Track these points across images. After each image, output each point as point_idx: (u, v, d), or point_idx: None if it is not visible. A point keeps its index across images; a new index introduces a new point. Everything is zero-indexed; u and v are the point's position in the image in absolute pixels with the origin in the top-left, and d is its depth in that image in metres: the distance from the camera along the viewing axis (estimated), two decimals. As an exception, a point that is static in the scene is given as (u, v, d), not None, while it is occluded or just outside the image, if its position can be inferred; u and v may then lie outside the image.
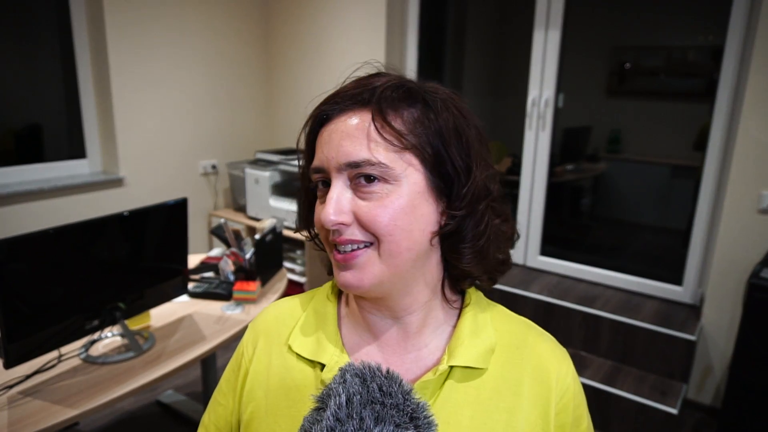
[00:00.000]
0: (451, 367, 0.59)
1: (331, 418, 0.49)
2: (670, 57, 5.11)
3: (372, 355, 0.62)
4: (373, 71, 0.62)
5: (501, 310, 0.68)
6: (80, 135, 3.08)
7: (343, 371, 0.53)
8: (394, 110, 0.56)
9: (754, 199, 2.31)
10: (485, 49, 5.69)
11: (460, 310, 0.65)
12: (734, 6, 2.35)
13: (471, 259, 0.59)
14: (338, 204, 0.55)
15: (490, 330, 0.63)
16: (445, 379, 0.59)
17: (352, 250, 0.56)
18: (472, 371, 0.60)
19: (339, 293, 0.69)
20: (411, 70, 3.38)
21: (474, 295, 0.65)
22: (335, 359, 0.60)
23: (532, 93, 3.00)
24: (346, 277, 0.57)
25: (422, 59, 3.45)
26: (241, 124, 3.76)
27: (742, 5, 2.32)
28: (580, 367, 2.51)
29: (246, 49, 3.66)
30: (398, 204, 0.55)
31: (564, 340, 2.67)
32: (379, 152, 0.54)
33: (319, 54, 3.51)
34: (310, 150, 0.60)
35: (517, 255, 3.18)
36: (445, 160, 0.56)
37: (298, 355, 0.63)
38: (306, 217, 0.65)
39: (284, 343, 0.65)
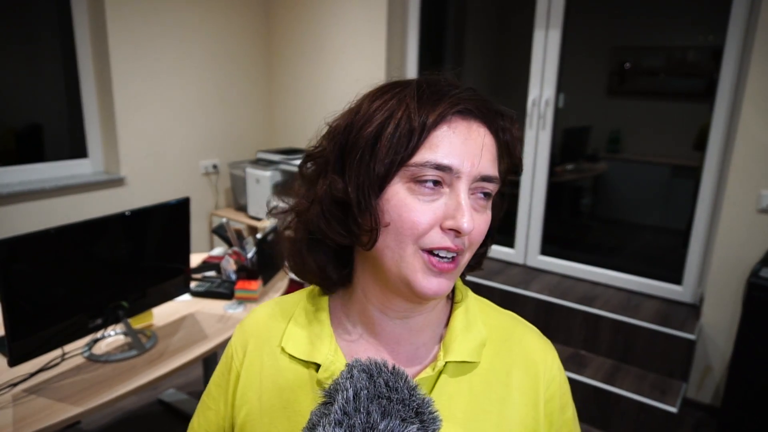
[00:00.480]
0: (449, 364, 0.61)
1: (338, 411, 0.50)
2: (670, 57, 5.12)
3: (367, 352, 0.63)
4: (446, 77, 0.62)
5: (488, 304, 0.70)
6: (82, 134, 3.09)
7: (350, 367, 0.54)
8: (512, 137, 0.60)
9: (753, 198, 2.31)
10: (485, 48, 5.70)
11: (451, 305, 0.67)
12: (734, 6, 2.36)
13: (480, 258, 0.65)
14: (471, 212, 0.55)
15: (480, 324, 0.65)
16: (439, 374, 0.61)
17: (453, 258, 0.56)
18: (464, 365, 0.62)
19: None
20: (412, 69, 3.38)
21: (462, 290, 0.68)
22: (330, 359, 0.60)
23: (533, 93, 3.01)
24: (440, 284, 0.56)
25: (422, 58, 3.46)
26: (242, 124, 3.77)
27: (742, 6, 2.33)
28: (580, 366, 2.52)
29: (247, 50, 3.67)
30: (489, 219, 0.59)
31: (564, 339, 2.68)
32: (499, 172, 0.58)
33: (320, 54, 3.51)
34: (417, 138, 0.54)
35: (517, 255, 3.19)
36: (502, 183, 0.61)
37: (291, 356, 0.63)
38: (372, 204, 0.56)
39: (276, 345, 0.64)
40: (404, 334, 0.63)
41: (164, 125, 3.29)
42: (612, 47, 5.45)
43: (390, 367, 0.54)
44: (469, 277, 2.62)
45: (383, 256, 0.56)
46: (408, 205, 0.54)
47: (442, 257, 0.55)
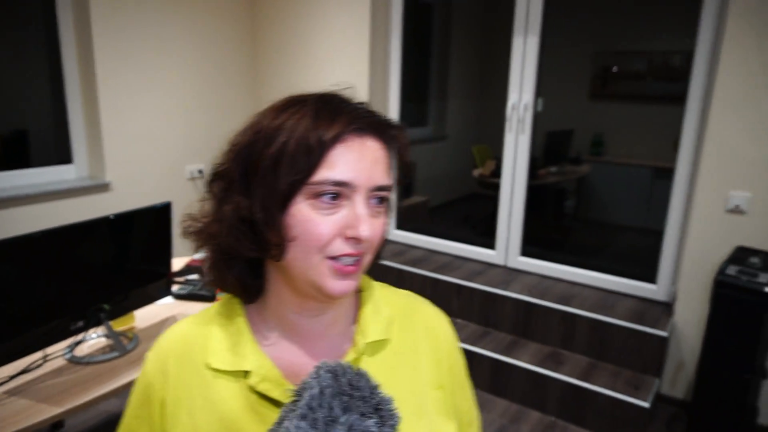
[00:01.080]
0: (366, 345, 0.68)
1: (304, 407, 0.56)
2: (651, 61, 5.23)
3: (290, 352, 0.67)
4: (345, 92, 0.67)
5: (388, 287, 0.77)
6: (67, 140, 3.12)
7: (317, 368, 0.59)
8: (400, 145, 0.66)
9: (722, 199, 2.39)
10: (471, 54, 5.79)
11: (357, 293, 0.74)
12: (703, 12, 2.44)
13: (379, 252, 0.70)
14: (369, 220, 0.60)
15: (385, 306, 0.73)
16: (360, 356, 0.68)
17: (356, 261, 0.62)
18: (379, 343, 0.69)
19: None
20: (395, 74, 3.44)
21: (366, 280, 0.75)
22: (258, 364, 0.64)
23: (512, 98, 3.07)
24: (347, 285, 0.62)
25: (408, 64, 3.52)
26: (228, 128, 3.73)
27: (711, 12, 2.41)
28: (558, 364, 2.58)
29: (233, 54, 3.71)
30: (386, 221, 0.65)
31: (542, 338, 2.75)
32: (391, 179, 0.64)
33: (305, 58, 3.57)
34: (316, 157, 0.58)
35: (498, 256, 3.25)
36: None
37: (216, 371, 0.65)
38: (278, 221, 0.60)
39: (200, 363, 0.66)
40: (321, 329, 0.68)
41: (150, 130, 3.32)
42: (594, 52, 5.56)
43: (354, 368, 0.60)
44: (452, 279, 2.72)
45: (292, 267, 0.62)
46: (311, 220, 0.59)
47: (346, 262, 0.61)
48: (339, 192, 0.59)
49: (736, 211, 2.37)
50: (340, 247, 0.60)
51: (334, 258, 0.60)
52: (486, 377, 2.69)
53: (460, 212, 5.38)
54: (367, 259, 0.64)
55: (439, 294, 3.04)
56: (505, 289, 2.88)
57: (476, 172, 4.85)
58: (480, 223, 3.56)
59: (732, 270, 2.11)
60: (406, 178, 0.68)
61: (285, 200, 0.59)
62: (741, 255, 2.25)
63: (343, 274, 0.61)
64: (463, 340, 2.77)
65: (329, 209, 0.59)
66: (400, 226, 3.67)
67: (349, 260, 0.61)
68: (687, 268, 2.52)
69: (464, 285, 2.96)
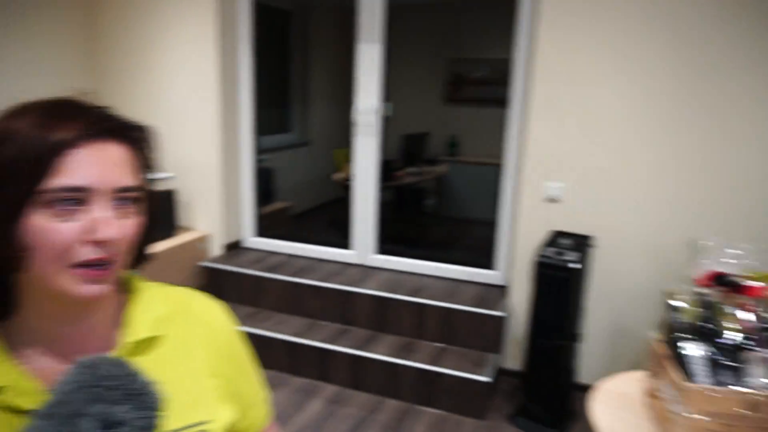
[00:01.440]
0: (136, 345, 0.68)
1: (49, 405, 0.55)
2: (496, 68, 5.72)
3: (53, 362, 0.65)
4: (83, 97, 0.66)
5: (164, 286, 0.79)
6: None
7: (75, 364, 0.58)
8: (146, 145, 0.67)
9: (540, 189, 2.70)
10: (331, 59, 5.89)
11: (125, 295, 0.73)
12: (520, 23, 2.74)
13: (145, 252, 0.72)
14: (114, 221, 0.59)
15: (159, 304, 0.74)
16: (133, 356, 0.67)
17: (108, 266, 0.60)
18: (150, 341, 0.70)
19: None
20: (246, 80, 3.41)
21: (135, 280, 0.75)
22: (10, 379, 0.61)
23: (360, 102, 3.19)
24: (99, 288, 0.61)
25: (266, 70, 3.49)
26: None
27: (525, 26, 2.72)
28: (410, 353, 2.73)
29: (68, 67, 3.43)
30: (139, 221, 0.65)
31: (397, 330, 2.89)
32: (139, 180, 0.64)
33: (150, 67, 3.40)
34: (45, 165, 0.57)
35: (354, 256, 3.36)
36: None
37: None
38: (10, 233, 0.58)
39: None
40: (83, 335, 0.67)
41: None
42: (447, 59, 5.94)
43: (111, 359, 0.60)
44: (310, 281, 2.77)
45: (39, 277, 0.60)
46: (48, 228, 0.57)
47: (95, 266, 0.60)
48: (77, 197, 0.58)
49: (552, 199, 2.69)
50: (86, 253, 0.59)
51: (81, 265, 0.59)
52: (345, 373, 2.77)
53: (326, 216, 5.46)
54: (120, 261, 0.63)
55: (298, 297, 3.07)
56: (360, 286, 2.99)
57: (337, 176, 4.96)
58: (344, 226, 3.65)
59: (548, 251, 2.39)
60: (154, 178, 0.69)
61: (15, 211, 0.57)
62: (555, 238, 2.55)
63: (91, 278, 0.60)
64: (321, 340, 2.82)
65: (68, 215, 0.58)
66: (261, 233, 3.64)
67: (98, 264, 0.60)
68: (517, 253, 2.81)
69: (322, 286, 3.01)
